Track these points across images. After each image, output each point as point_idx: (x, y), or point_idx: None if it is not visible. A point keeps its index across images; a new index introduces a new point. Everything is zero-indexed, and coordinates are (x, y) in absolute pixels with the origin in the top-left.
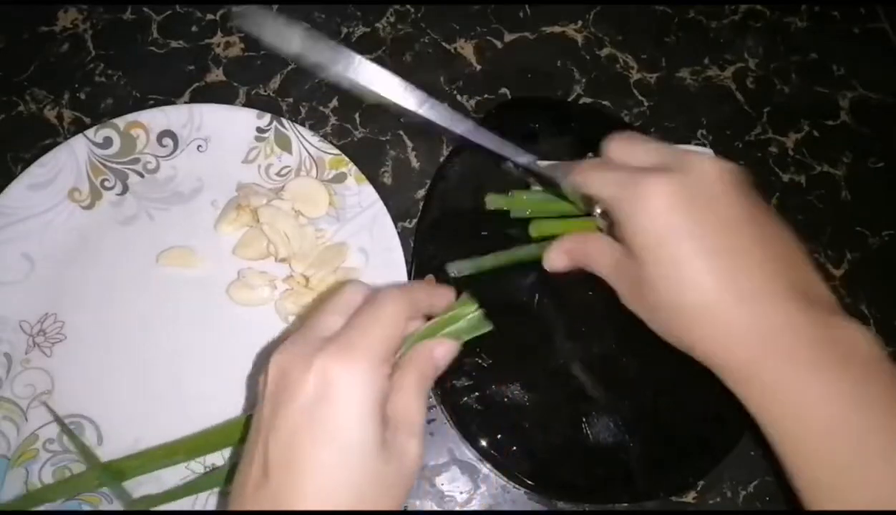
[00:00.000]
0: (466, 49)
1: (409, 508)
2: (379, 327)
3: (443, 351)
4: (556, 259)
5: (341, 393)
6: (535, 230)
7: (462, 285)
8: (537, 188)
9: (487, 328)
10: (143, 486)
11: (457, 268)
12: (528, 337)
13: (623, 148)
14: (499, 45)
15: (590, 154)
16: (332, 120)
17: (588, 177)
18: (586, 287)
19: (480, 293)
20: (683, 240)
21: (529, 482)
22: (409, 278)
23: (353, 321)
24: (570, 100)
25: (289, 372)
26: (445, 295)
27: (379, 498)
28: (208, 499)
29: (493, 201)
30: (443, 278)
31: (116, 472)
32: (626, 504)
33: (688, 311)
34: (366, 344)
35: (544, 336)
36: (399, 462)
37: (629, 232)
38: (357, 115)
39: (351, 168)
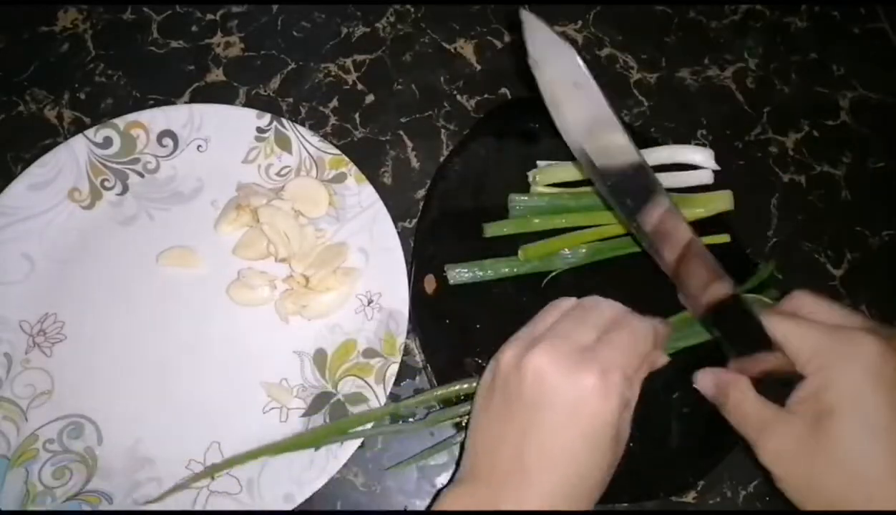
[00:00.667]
0: (466, 49)
1: (409, 508)
2: (634, 355)
3: (662, 361)
4: (705, 385)
5: (599, 411)
6: (522, 254)
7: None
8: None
9: None
10: (143, 486)
11: (455, 274)
12: None
13: (813, 304)
14: (499, 45)
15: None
16: (332, 120)
17: (791, 328)
18: (585, 288)
19: (480, 292)
20: (885, 406)
21: None
22: (409, 278)
23: (612, 340)
24: None
25: (549, 377)
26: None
27: (606, 474)
28: (209, 499)
29: (492, 230)
30: (441, 278)
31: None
32: (625, 504)
33: (860, 478)
34: (621, 365)
35: None
36: (623, 438)
37: (825, 383)
38: (357, 115)
39: (351, 168)
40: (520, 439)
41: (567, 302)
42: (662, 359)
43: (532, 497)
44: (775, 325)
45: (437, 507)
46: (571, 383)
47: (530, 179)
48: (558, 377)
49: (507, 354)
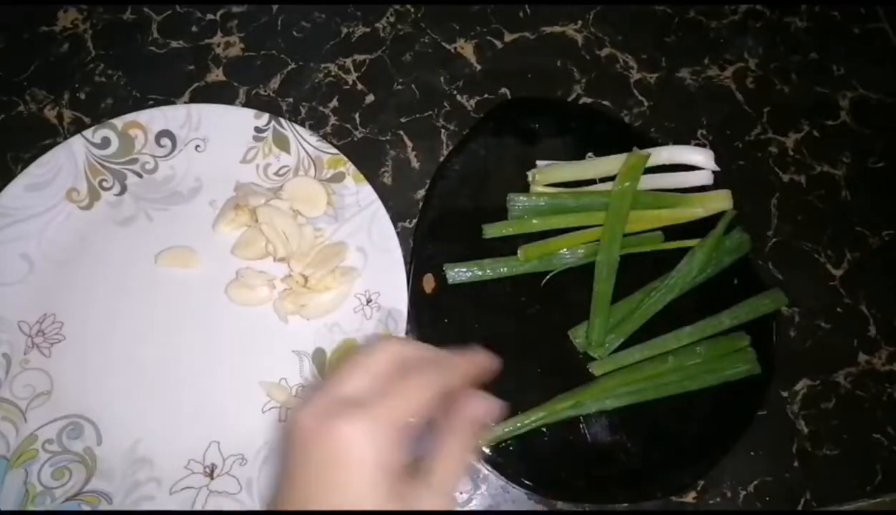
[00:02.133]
0: (466, 49)
1: None
2: (405, 403)
3: (488, 411)
4: None
5: (354, 460)
6: (522, 254)
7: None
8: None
9: None
10: (142, 486)
11: (455, 274)
12: (527, 338)
13: None
14: (499, 45)
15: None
16: (332, 120)
17: None
18: (585, 288)
19: (479, 292)
20: None
21: (528, 482)
22: (408, 278)
23: (382, 390)
24: (570, 100)
25: (306, 435)
26: (487, 366)
27: None
28: (208, 499)
29: (492, 231)
30: (441, 277)
31: None
32: (625, 505)
33: None
34: (388, 417)
35: (542, 336)
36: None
37: None
38: (357, 115)
39: (349, 167)
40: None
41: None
42: (492, 409)
43: None
44: None
45: None
46: (326, 433)
47: (530, 179)
48: (312, 433)
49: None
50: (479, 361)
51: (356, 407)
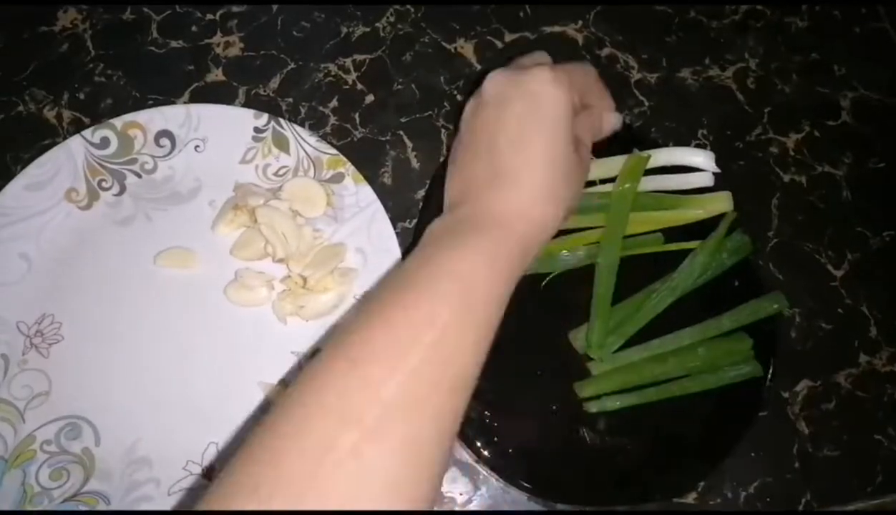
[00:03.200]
0: (466, 49)
1: None
2: (580, 77)
3: (614, 118)
4: None
5: (553, 100)
6: None
7: None
8: None
9: None
10: (141, 487)
11: None
12: (527, 339)
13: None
14: (499, 45)
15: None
16: (332, 120)
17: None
18: (585, 290)
19: None
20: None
21: (527, 485)
22: None
23: (564, 65)
24: None
25: (507, 86)
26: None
27: (569, 179)
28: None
29: None
30: None
31: None
32: (626, 507)
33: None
34: (569, 76)
35: (542, 337)
36: (580, 162)
37: None
38: (357, 115)
39: (349, 168)
40: (489, 146)
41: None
42: (614, 120)
43: (506, 190)
44: None
45: (427, 234)
46: (525, 78)
47: None
48: (513, 80)
49: (470, 100)
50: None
51: (547, 68)
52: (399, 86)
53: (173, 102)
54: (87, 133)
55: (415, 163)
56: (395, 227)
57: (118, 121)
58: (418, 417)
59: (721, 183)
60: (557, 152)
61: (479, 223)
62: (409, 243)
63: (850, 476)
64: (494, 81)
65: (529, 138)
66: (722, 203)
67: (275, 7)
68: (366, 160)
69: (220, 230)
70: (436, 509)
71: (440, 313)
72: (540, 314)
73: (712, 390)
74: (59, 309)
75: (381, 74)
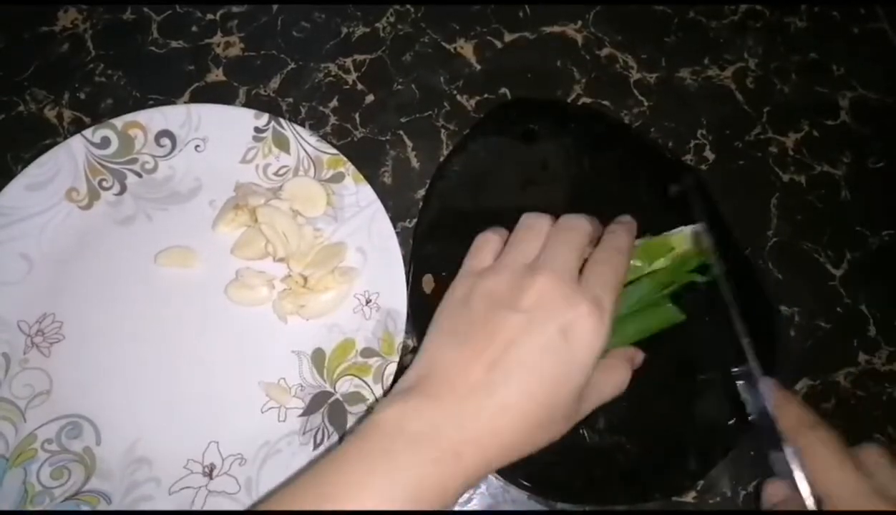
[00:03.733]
0: (466, 49)
1: None
2: (568, 250)
3: (629, 231)
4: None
5: (589, 340)
6: None
7: None
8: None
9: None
10: (141, 486)
11: None
12: None
13: (875, 459)
14: (499, 45)
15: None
16: (332, 120)
17: (818, 464)
18: None
19: None
20: None
21: (526, 483)
22: (408, 278)
23: (596, 269)
24: (570, 100)
25: (550, 298)
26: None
27: (555, 426)
28: (207, 499)
29: None
30: (440, 278)
31: None
32: (625, 505)
33: None
34: (611, 299)
35: None
36: (575, 413)
37: None
38: (357, 115)
39: (349, 168)
40: (496, 354)
41: (541, 223)
42: (626, 235)
43: (487, 411)
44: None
45: (375, 421)
46: (569, 305)
47: None
48: (556, 299)
49: (499, 277)
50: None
51: (536, 267)
52: (399, 87)
53: (174, 102)
54: (87, 133)
55: (415, 163)
56: (395, 227)
57: (119, 121)
58: None
59: (721, 182)
60: (562, 395)
61: (433, 445)
62: (410, 243)
63: None
64: (539, 284)
65: (541, 371)
66: (680, 242)
67: (275, 7)
68: (366, 160)
69: (221, 229)
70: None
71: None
72: None
73: (712, 390)
74: (59, 309)
75: (381, 74)
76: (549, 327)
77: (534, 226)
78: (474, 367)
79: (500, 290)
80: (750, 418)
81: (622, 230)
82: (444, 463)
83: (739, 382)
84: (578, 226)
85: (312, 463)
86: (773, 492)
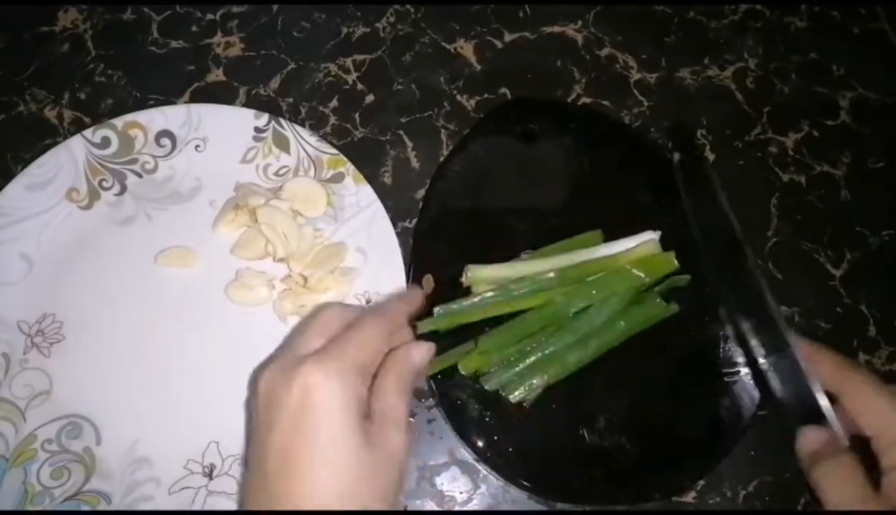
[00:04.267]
0: (466, 49)
1: (409, 508)
2: (353, 345)
3: (419, 353)
4: (808, 444)
5: (320, 400)
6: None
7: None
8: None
9: None
10: (141, 486)
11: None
12: None
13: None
14: (499, 45)
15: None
16: (332, 120)
17: (865, 403)
18: None
19: None
20: None
21: (526, 483)
22: (408, 278)
23: (332, 340)
24: (570, 100)
25: (273, 388)
26: (417, 298)
27: (367, 487)
28: (207, 499)
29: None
30: (440, 278)
31: None
32: (625, 505)
33: None
34: (341, 357)
35: None
36: (384, 451)
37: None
38: (357, 115)
39: (349, 168)
40: (260, 466)
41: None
42: (423, 352)
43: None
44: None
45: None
46: (292, 383)
47: (463, 279)
48: (281, 385)
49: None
50: (413, 298)
51: (315, 358)
52: (399, 87)
53: (174, 102)
54: (87, 133)
55: (415, 163)
56: (395, 227)
57: (119, 121)
58: None
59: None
60: (343, 468)
61: None
62: (410, 243)
63: None
64: (264, 379)
65: (304, 463)
66: (665, 265)
67: (275, 7)
68: (366, 160)
69: (221, 229)
70: (436, 508)
71: None
72: None
73: (711, 389)
74: (59, 309)
75: (381, 74)
76: (282, 419)
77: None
78: (259, 493)
79: (252, 395)
80: (776, 396)
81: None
82: None
83: (762, 361)
84: (329, 310)
85: None
86: (810, 438)
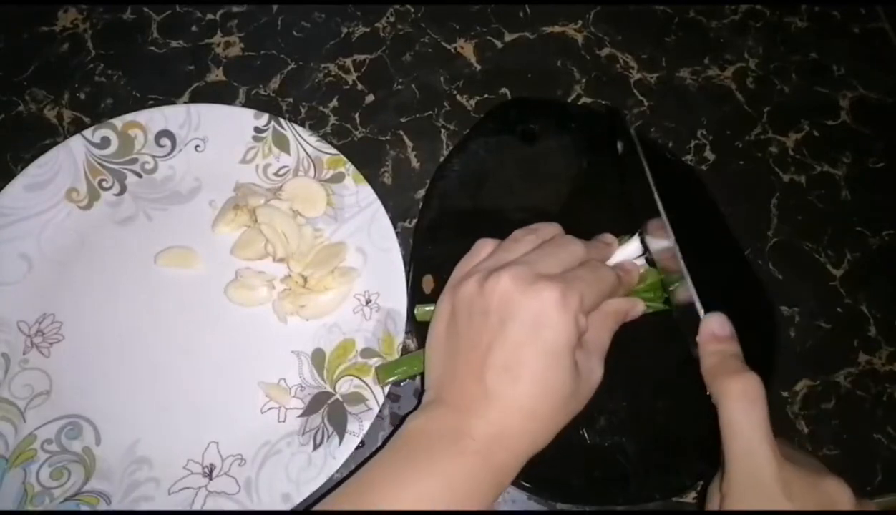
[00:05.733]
0: (466, 49)
1: None
2: (586, 284)
3: (640, 308)
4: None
5: (556, 320)
6: (380, 377)
7: None
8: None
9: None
10: (141, 486)
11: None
12: None
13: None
14: (499, 45)
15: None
16: (332, 120)
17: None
18: None
19: None
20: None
21: (526, 483)
22: (407, 278)
23: (575, 273)
24: (570, 100)
25: (512, 294)
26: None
27: (568, 403)
28: (207, 499)
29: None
30: (440, 278)
31: None
32: (625, 505)
33: None
34: (576, 289)
35: None
36: (587, 378)
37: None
38: (357, 115)
39: (349, 168)
40: (482, 360)
41: (528, 237)
42: (637, 309)
43: (495, 414)
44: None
45: (404, 430)
46: (532, 296)
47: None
48: (519, 293)
49: (470, 283)
50: (627, 277)
51: (556, 280)
52: (399, 87)
53: (173, 102)
54: (87, 133)
55: (415, 163)
56: (395, 227)
57: (118, 121)
58: None
59: (720, 181)
60: (556, 383)
61: (458, 444)
62: (410, 243)
63: (849, 475)
64: (503, 284)
65: (527, 368)
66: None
67: (275, 7)
68: (366, 160)
69: (221, 230)
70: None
71: None
72: None
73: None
74: (59, 309)
75: (381, 74)
76: (515, 323)
77: (520, 239)
78: (467, 381)
79: (471, 296)
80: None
81: (606, 249)
82: (469, 461)
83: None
84: (568, 246)
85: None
86: (714, 325)
